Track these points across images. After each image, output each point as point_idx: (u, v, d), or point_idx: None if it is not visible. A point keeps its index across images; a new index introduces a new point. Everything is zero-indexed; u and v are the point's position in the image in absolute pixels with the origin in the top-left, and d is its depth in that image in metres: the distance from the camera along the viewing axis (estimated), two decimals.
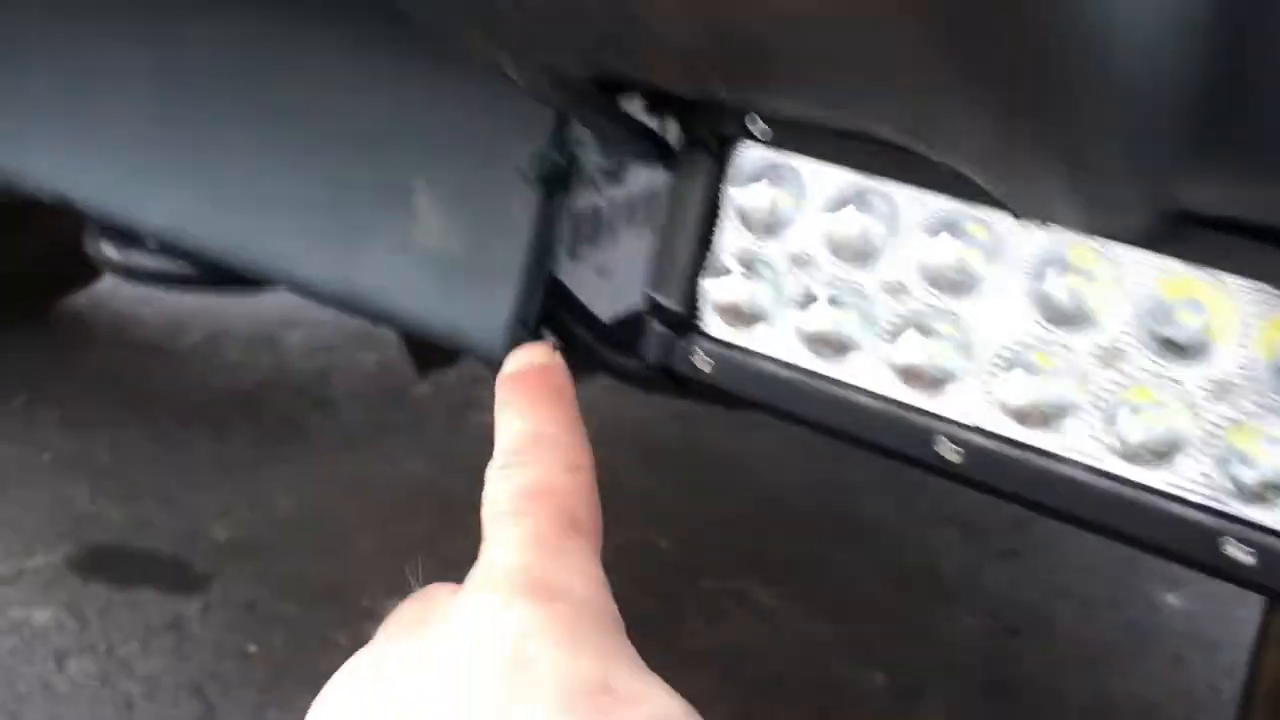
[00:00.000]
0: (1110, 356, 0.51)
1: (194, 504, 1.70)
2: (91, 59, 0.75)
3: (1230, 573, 0.49)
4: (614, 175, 0.71)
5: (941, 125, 0.36)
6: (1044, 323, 0.52)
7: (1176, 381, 0.49)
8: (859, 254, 0.55)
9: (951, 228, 0.53)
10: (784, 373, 0.57)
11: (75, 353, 2.05)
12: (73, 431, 1.83)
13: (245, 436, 1.88)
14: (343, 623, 1.48)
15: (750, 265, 0.58)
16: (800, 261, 0.57)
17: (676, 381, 0.61)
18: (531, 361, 0.51)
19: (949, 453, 0.53)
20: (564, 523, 0.43)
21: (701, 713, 0.38)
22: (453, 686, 0.37)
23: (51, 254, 1.86)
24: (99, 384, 1.97)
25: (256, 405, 1.99)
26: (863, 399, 0.55)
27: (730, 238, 0.58)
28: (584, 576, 0.42)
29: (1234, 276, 0.47)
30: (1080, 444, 0.51)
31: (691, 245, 0.58)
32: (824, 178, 0.56)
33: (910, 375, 0.54)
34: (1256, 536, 0.48)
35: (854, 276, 0.56)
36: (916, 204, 0.54)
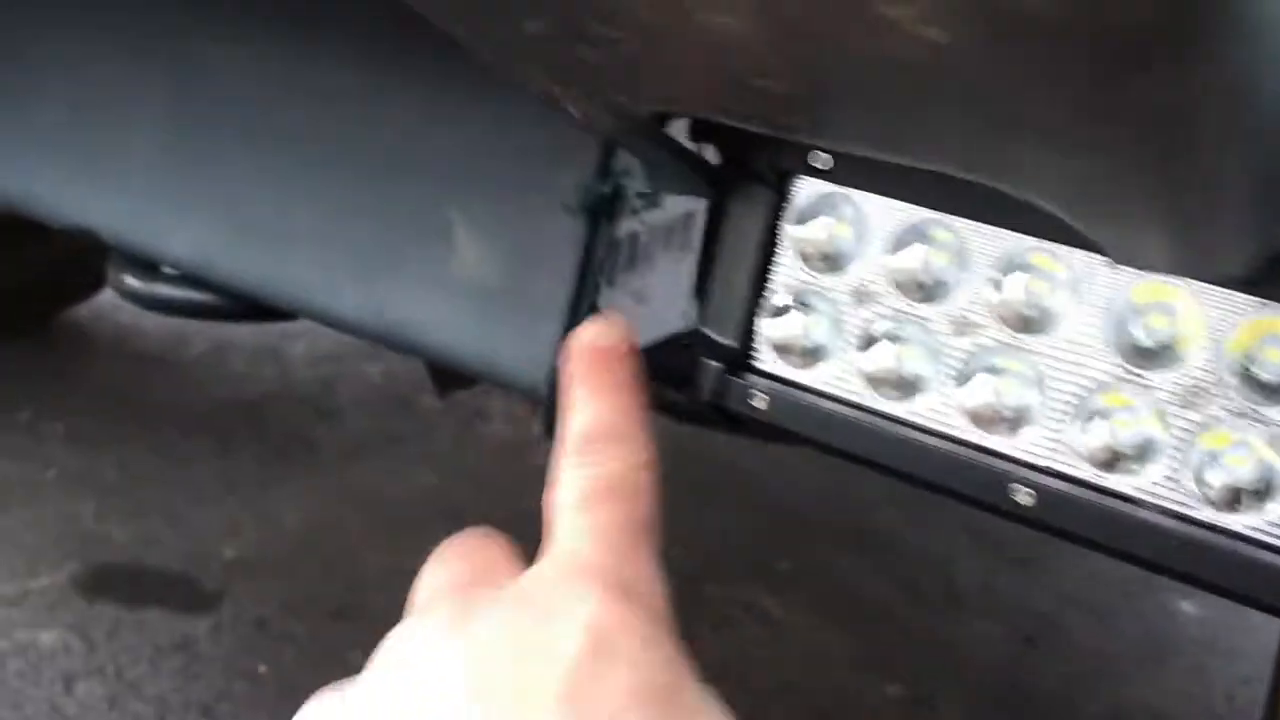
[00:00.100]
0: (1192, 396, 0.49)
1: (201, 521, 1.68)
2: (114, 85, 0.73)
3: None
4: (653, 201, 0.69)
5: (1047, 174, 0.34)
6: (1123, 362, 0.50)
7: (1262, 423, 0.48)
8: (924, 290, 0.53)
9: (1024, 263, 0.51)
10: (845, 412, 0.55)
11: (78, 367, 2.02)
12: (77, 447, 1.80)
13: (251, 450, 1.86)
14: (355, 640, 1.45)
15: (809, 301, 0.56)
16: (862, 297, 0.55)
17: (729, 419, 0.59)
18: (603, 338, 0.49)
19: (1022, 497, 0.51)
20: (638, 526, 0.43)
21: None
22: (538, 657, 0.37)
23: (52, 267, 1.83)
24: (103, 398, 1.95)
25: (262, 418, 1.96)
26: (929, 440, 0.53)
27: (788, 272, 0.56)
28: (656, 583, 0.42)
29: None
30: (1160, 488, 0.50)
31: (748, 280, 0.56)
32: (887, 211, 0.54)
33: (979, 416, 0.52)
34: None
35: (919, 312, 0.54)
36: (985, 238, 0.52)
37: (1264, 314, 0.47)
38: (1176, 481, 0.49)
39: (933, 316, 0.53)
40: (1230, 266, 0.43)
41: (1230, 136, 0.29)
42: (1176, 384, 0.49)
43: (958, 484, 0.53)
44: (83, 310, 2.07)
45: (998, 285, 0.52)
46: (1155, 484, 0.50)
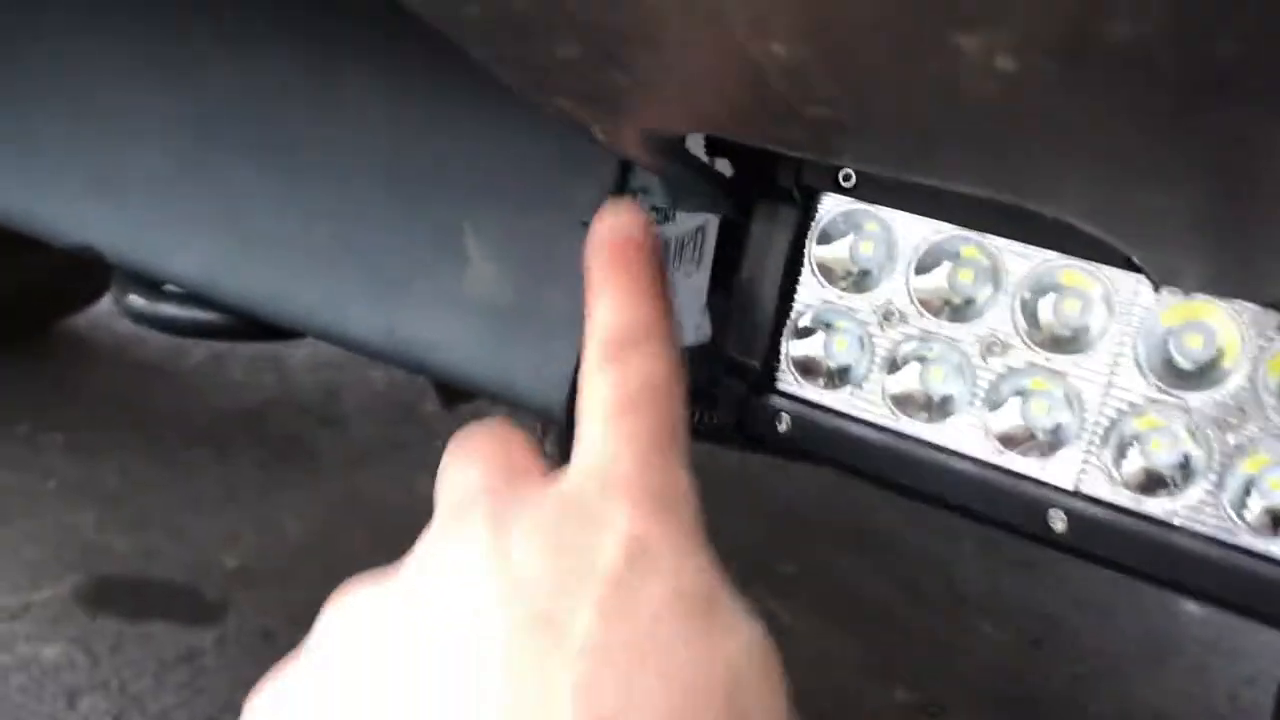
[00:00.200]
0: (1229, 417, 0.48)
1: (203, 530, 1.66)
2: (117, 98, 0.71)
3: None
4: (666, 215, 0.68)
5: (1098, 199, 0.33)
6: (1159, 382, 0.49)
7: None
8: (953, 309, 0.52)
9: (1055, 281, 0.50)
10: (871, 435, 0.54)
11: (78, 376, 2.00)
12: (77, 458, 1.78)
13: (252, 458, 1.84)
14: None
15: (834, 320, 0.55)
16: (889, 316, 0.54)
17: (751, 440, 0.58)
18: (625, 230, 0.47)
19: (1055, 523, 0.50)
20: (670, 432, 0.42)
21: None
22: (576, 565, 0.37)
23: (51, 275, 1.81)
24: (103, 407, 1.93)
25: (263, 426, 1.95)
26: (958, 464, 0.52)
27: (812, 291, 0.55)
28: (688, 492, 0.42)
29: None
30: (1198, 512, 0.49)
31: (771, 299, 0.55)
32: (914, 229, 0.53)
33: (1011, 439, 0.51)
34: None
35: (948, 332, 0.53)
36: (1015, 256, 0.51)
37: None
38: (1214, 505, 0.48)
39: (962, 336, 0.52)
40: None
41: None
42: (1214, 405, 0.48)
43: (988, 509, 0.52)
44: (82, 319, 2.05)
45: (1029, 304, 0.51)
46: (1192, 508, 0.49)
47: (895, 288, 0.53)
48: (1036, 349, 0.51)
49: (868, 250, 0.53)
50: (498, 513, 0.40)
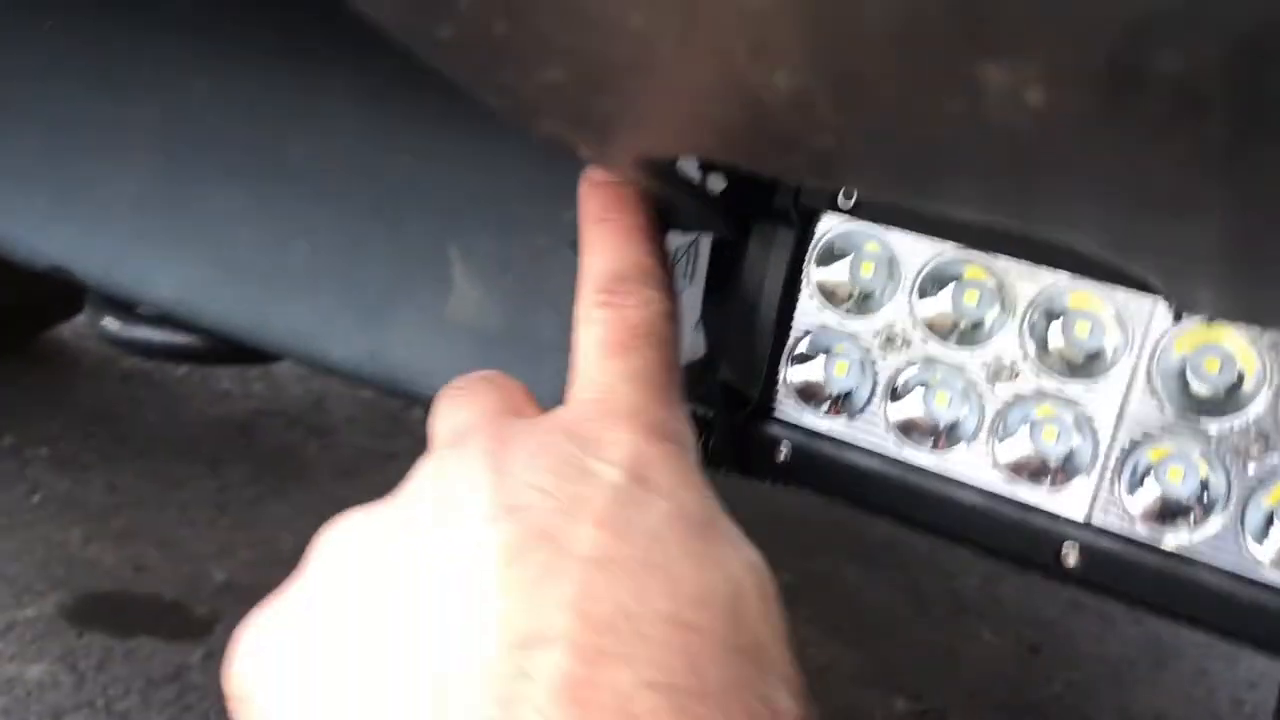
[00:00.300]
0: (1249, 444, 0.46)
1: (192, 544, 1.64)
2: (96, 118, 0.69)
3: None
4: None
5: (1119, 228, 0.31)
6: (1175, 409, 0.47)
7: None
8: (958, 332, 0.50)
9: (1065, 303, 0.48)
10: (873, 464, 0.52)
11: (63, 387, 1.98)
12: (63, 471, 1.76)
13: (241, 470, 1.82)
14: None
15: (834, 345, 0.52)
16: (891, 341, 0.51)
17: (749, 469, 0.55)
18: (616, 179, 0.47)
19: (1067, 556, 0.48)
20: (665, 372, 0.42)
21: None
22: (577, 483, 0.37)
23: (34, 285, 1.79)
24: (89, 420, 1.90)
25: (252, 436, 1.93)
26: (964, 494, 0.50)
27: (812, 314, 0.53)
28: (684, 424, 0.42)
29: None
30: (1216, 546, 0.46)
31: (769, 323, 0.53)
32: (917, 249, 0.50)
33: (1020, 469, 0.49)
34: None
35: (953, 357, 0.50)
36: (1022, 276, 0.49)
37: None
38: (1235, 539, 0.46)
39: (968, 361, 0.50)
40: None
41: None
42: (1233, 432, 0.46)
43: (996, 542, 0.50)
44: (66, 329, 2.02)
45: (1038, 327, 0.48)
46: (1211, 541, 0.47)
47: (897, 310, 0.51)
48: (1046, 374, 0.49)
49: (868, 271, 0.51)
50: (498, 437, 0.39)
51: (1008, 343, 0.49)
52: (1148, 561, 0.47)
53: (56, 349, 2.06)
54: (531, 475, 0.37)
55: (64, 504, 1.69)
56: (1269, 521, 0.45)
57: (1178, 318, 0.45)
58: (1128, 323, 0.47)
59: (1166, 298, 0.44)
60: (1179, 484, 0.46)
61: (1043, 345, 0.48)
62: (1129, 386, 0.47)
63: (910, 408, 0.51)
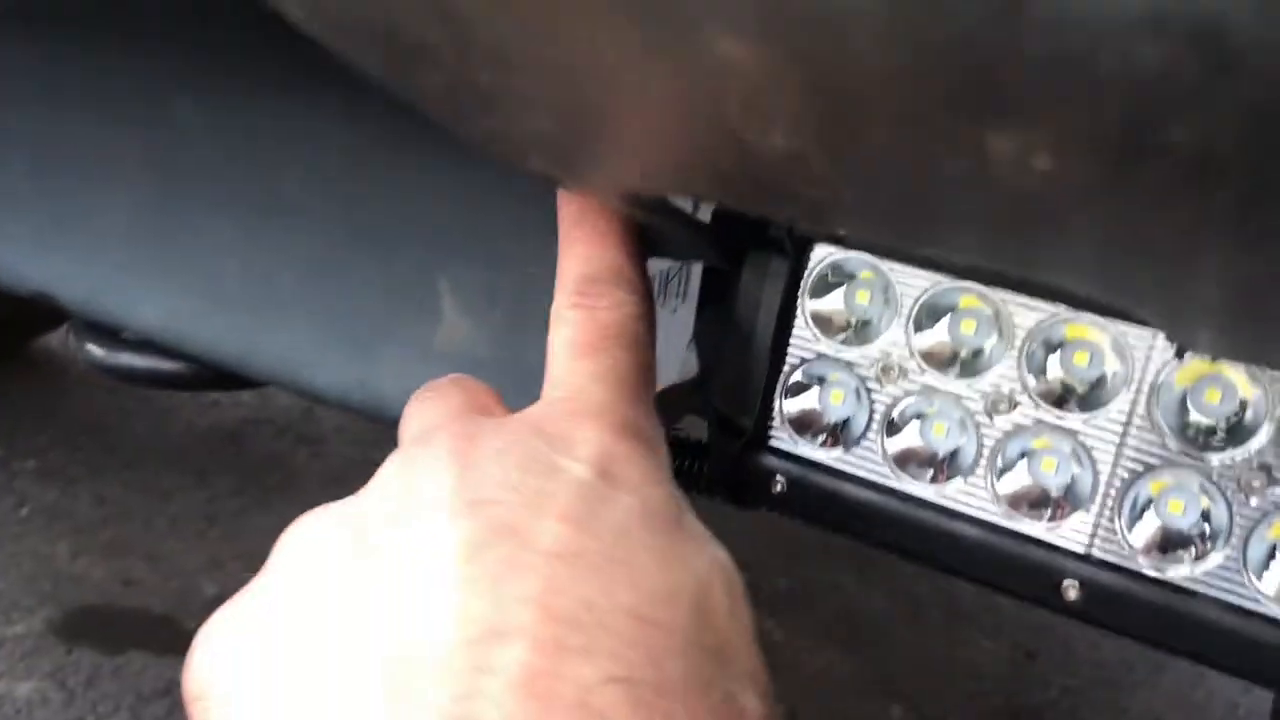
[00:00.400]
0: (1252, 478, 0.45)
1: (181, 557, 1.63)
2: (81, 144, 0.67)
3: None
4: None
5: (1120, 277, 0.31)
6: (1176, 441, 0.46)
7: None
8: (956, 362, 0.49)
9: (1063, 334, 0.47)
10: (869, 495, 0.51)
11: (50, 399, 1.96)
12: (51, 483, 1.75)
13: (230, 481, 1.81)
14: None
15: (829, 375, 0.52)
16: (887, 371, 0.51)
17: (743, 500, 0.55)
18: None
19: (1068, 590, 0.47)
20: (636, 373, 0.43)
21: None
22: (544, 479, 0.37)
23: (19, 297, 1.77)
24: (77, 431, 1.89)
25: (240, 446, 1.91)
26: (962, 527, 0.49)
27: (807, 344, 0.52)
28: (655, 425, 0.42)
29: None
30: (1219, 580, 0.46)
31: (764, 352, 0.52)
32: (913, 278, 0.49)
33: (1019, 501, 0.48)
34: None
35: (951, 388, 0.50)
36: (1020, 307, 0.48)
37: None
38: (1237, 573, 0.45)
39: (966, 392, 0.49)
40: None
41: None
42: (1235, 465, 0.45)
43: (995, 576, 0.49)
44: (53, 339, 2.01)
45: (1036, 357, 0.48)
46: (1213, 575, 0.46)
47: (894, 340, 0.50)
48: (1045, 405, 0.48)
49: (864, 300, 0.50)
50: (464, 434, 0.39)
51: (1006, 373, 0.48)
52: (1149, 595, 0.46)
53: (44, 359, 2.04)
54: (497, 471, 0.37)
55: (51, 517, 1.68)
56: (1271, 555, 0.45)
57: (1179, 355, 0.44)
58: (1127, 353, 0.46)
59: (1168, 338, 0.43)
60: (1180, 516, 0.46)
61: (1041, 375, 0.48)
62: (1129, 418, 0.47)
63: (907, 438, 0.50)
